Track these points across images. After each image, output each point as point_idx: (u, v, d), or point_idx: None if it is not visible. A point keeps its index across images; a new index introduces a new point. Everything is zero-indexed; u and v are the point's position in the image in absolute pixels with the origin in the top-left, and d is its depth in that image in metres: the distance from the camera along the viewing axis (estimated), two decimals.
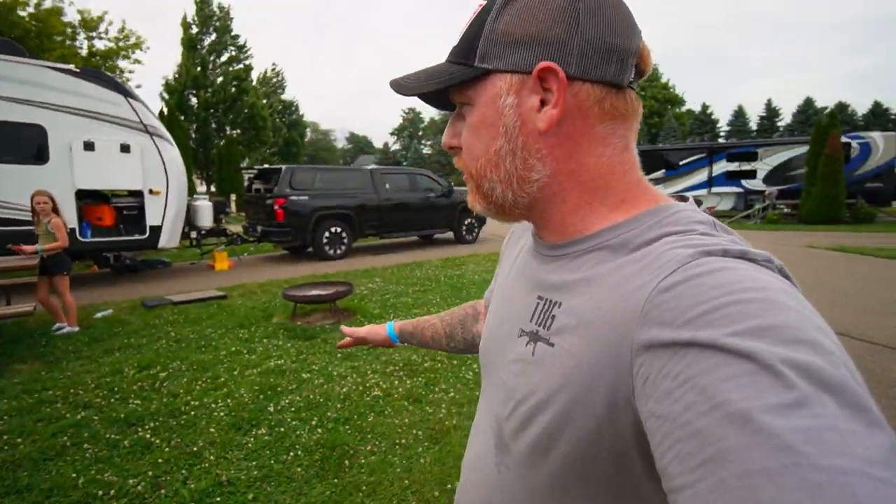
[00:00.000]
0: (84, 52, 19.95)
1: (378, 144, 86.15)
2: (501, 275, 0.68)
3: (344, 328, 1.02)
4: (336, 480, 2.24)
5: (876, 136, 15.97)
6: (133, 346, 4.01)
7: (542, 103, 0.46)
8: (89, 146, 6.19)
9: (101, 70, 6.80)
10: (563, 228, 0.50)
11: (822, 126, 14.58)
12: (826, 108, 45.22)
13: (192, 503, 2.06)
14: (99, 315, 4.90)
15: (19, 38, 17.01)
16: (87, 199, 6.61)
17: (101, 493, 2.11)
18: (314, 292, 4.95)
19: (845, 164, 14.48)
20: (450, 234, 11.17)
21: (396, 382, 3.32)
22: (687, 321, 0.34)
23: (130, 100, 6.60)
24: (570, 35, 0.44)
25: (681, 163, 19.03)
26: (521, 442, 0.48)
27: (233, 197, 19.39)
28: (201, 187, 27.14)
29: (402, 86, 0.52)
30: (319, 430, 2.68)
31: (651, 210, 0.46)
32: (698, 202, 0.49)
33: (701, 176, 18.83)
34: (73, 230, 6.15)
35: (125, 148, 6.47)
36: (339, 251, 9.00)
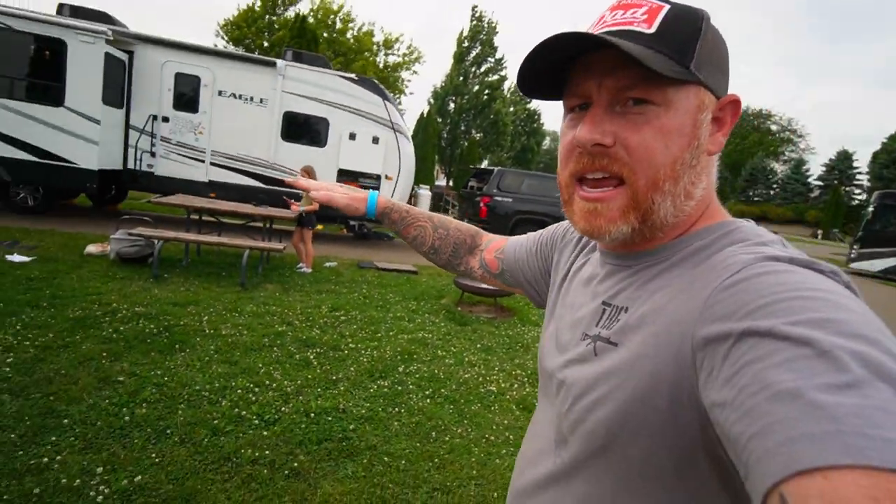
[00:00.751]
0: (381, 64, 25.28)
1: None
2: (560, 279, 0.67)
3: (291, 180, 0.96)
4: (418, 444, 2.48)
5: None
6: (335, 292, 5.12)
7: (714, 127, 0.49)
8: (352, 136, 8.06)
9: (370, 78, 8.66)
10: (642, 241, 0.51)
11: None
12: None
13: (314, 413, 2.61)
14: (327, 265, 6.38)
15: (343, 54, 22.80)
16: (345, 176, 8.57)
17: (267, 382, 2.88)
18: (482, 285, 5.29)
19: None
20: None
21: (516, 385, 3.35)
22: (747, 313, 0.35)
23: (386, 102, 8.24)
24: (727, 76, 0.50)
25: None
26: (579, 436, 0.48)
27: (460, 191, 21.83)
28: (441, 180, 31.28)
29: (615, 42, 0.43)
30: (428, 401, 2.97)
31: (720, 223, 0.49)
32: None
33: None
34: None
35: (375, 140, 8.15)
36: None
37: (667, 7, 0.47)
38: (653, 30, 0.46)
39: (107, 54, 6.65)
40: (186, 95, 7.62)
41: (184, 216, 6.27)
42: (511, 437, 2.66)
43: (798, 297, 0.34)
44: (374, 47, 24.46)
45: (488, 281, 0.87)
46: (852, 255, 15.20)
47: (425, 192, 9.70)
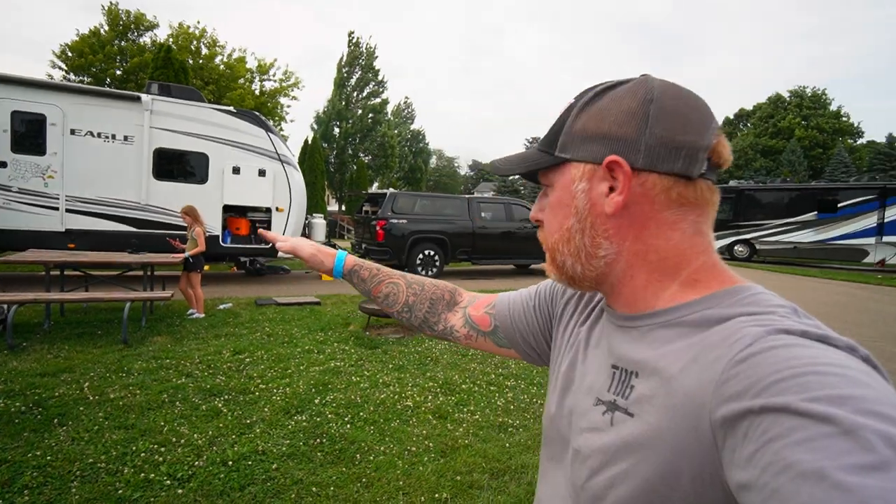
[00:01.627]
0: (257, 91, 24.30)
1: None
2: (567, 337, 0.67)
3: (262, 231, 0.98)
4: (344, 469, 2.56)
5: None
6: (236, 335, 4.89)
7: (611, 189, 0.51)
8: (236, 170, 7.75)
9: (251, 111, 8.44)
10: (634, 302, 0.53)
11: None
12: None
13: (232, 461, 2.55)
14: (221, 307, 6.04)
15: (215, 82, 21.52)
16: (231, 212, 8.17)
17: (174, 439, 2.73)
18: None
19: None
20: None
21: (430, 397, 3.57)
22: (762, 388, 0.35)
23: (270, 134, 8.09)
24: (639, 133, 0.49)
25: (840, 205, 16.22)
26: None
27: (355, 216, 21.74)
28: (334, 206, 30.78)
29: (498, 167, 0.62)
30: (348, 426, 3.05)
31: (728, 290, 0.48)
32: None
33: (868, 221, 15.79)
34: (216, 237, 7.66)
35: (262, 172, 7.94)
36: (430, 273, 9.57)
37: (568, 104, 0.56)
38: (545, 134, 0.58)
39: None
40: (29, 136, 6.70)
41: (34, 272, 5.49)
42: (431, 444, 2.86)
43: (813, 373, 0.34)
44: (249, 74, 23.46)
45: (475, 342, 0.80)
46: None
47: (320, 221, 9.60)
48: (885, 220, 15.47)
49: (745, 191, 17.01)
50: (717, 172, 0.52)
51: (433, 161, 71.28)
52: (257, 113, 8.30)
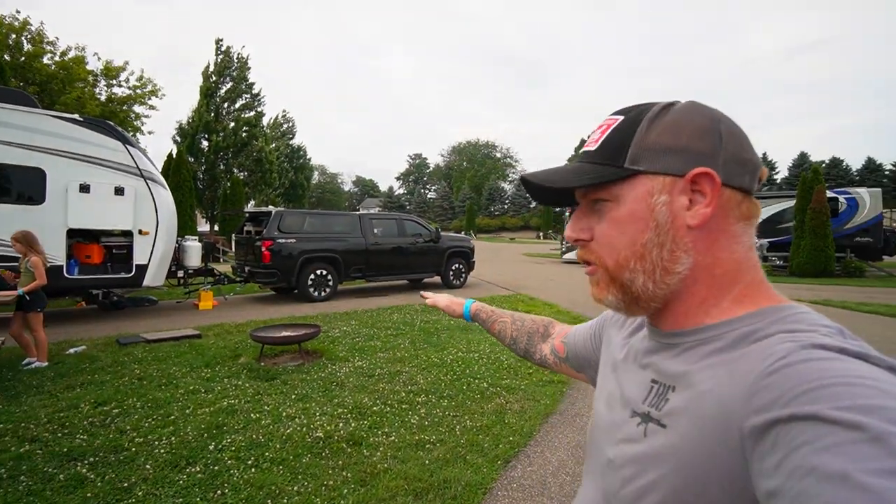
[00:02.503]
0: (103, 97, 21.08)
1: (384, 188, 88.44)
2: (608, 354, 0.69)
3: (423, 293, 1.20)
4: None
5: (862, 192, 16.32)
6: (96, 383, 4.12)
7: (690, 202, 0.51)
8: (85, 188, 6.57)
9: (103, 119, 7.28)
10: (684, 319, 0.53)
11: (807, 181, 14.96)
12: (822, 161, 46.28)
13: None
14: (71, 351, 5.04)
15: (42, 84, 18.16)
16: (78, 237, 6.90)
17: None
18: (283, 333, 5.08)
19: (834, 219, 14.76)
20: (438, 279, 11.37)
21: (342, 425, 3.39)
22: (791, 398, 0.35)
23: (129, 147, 7.05)
24: (716, 149, 0.51)
25: None
26: None
27: (233, 237, 19.89)
28: (204, 226, 27.82)
29: (550, 180, 0.56)
30: (253, 470, 2.76)
31: (774, 307, 0.48)
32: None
33: None
34: (59, 267, 6.41)
35: (119, 190, 6.85)
36: (323, 293, 9.16)
37: (618, 120, 0.55)
38: (595, 147, 0.56)
39: None
40: None
41: None
42: (349, 475, 2.72)
43: (844, 384, 0.34)
44: (91, 77, 20.26)
45: (559, 367, 0.90)
46: (563, 249, 20.22)
47: (193, 244, 8.55)
48: None
49: None
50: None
51: (315, 177, 68.77)
52: (111, 123, 7.17)
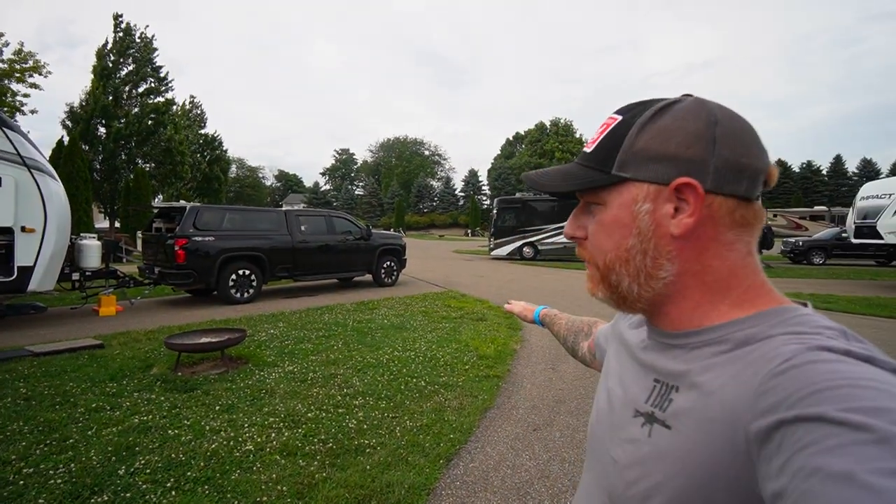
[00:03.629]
0: None
1: (308, 183, 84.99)
2: (612, 354, 0.69)
3: (506, 306, 1.30)
4: None
5: None
6: None
7: (676, 210, 0.50)
8: None
9: None
10: (680, 321, 0.53)
11: None
12: None
13: None
14: None
15: None
16: None
17: None
18: (203, 339, 4.68)
19: None
20: (369, 277, 11.14)
21: (274, 435, 3.19)
22: (797, 400, 0.35)
23: (7, 130, 6.07)
24: (708, 155, 0.49)
25: None
26: None
27: (139, 234, 18.02)
28: (104, 223, 24.92)
29: (540, 183, 0.58)
30: (173, 493, 2.49)
31: (776, 310, 0.48)
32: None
33: None
34: None
35: None
36: (246, 294, 8.60)
37: (617, 120, 0.54)
38: (591, 149, 0.56)
39: None
40: None
41: None
42: (284, 488, 2.56)
43: (850, 386, 0.34)
44: None
45: (595, 364, 0.92)
46: (491, 246, 20.80)
47: (92, 242, 7.55)
48: None
49: (528, 201, 20.27)
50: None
51: (233, 171, 64.39)
52: None
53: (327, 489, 2.56)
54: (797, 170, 59.88)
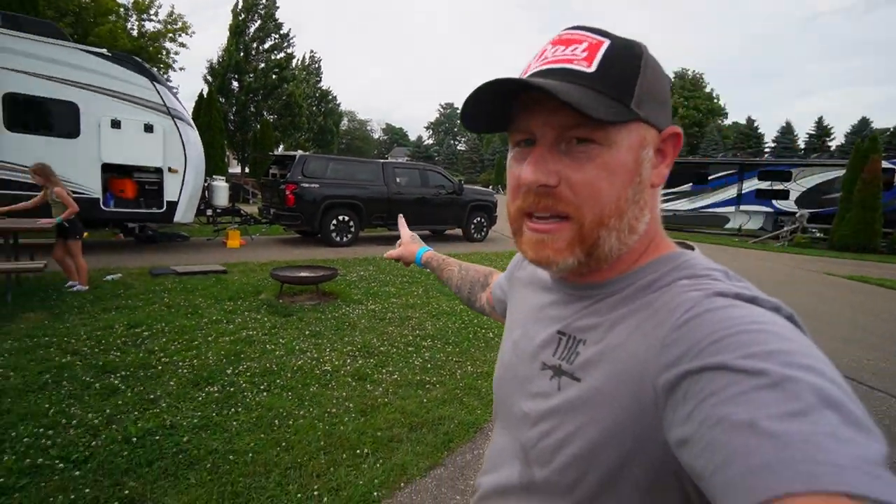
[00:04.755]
0: (134, 31, 21.13)
1: (413, 137, 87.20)
2: (516, 305, 0.68)
3: (387, 253, 1.16)
4: (262, 435, 2.54)
5: None
6: (129, 308, 4.46)
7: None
8: (116, 124, 6.80)
9: (130, 55, 7.35)
10: (601, 273, 0.52)
11: (861, 149, 13.94)
12: (887, 130, 42.82)
13: (136, 437, 2.40)
14: (108, 278, 5.43)
15: (75, 14, 18.28)
16: (113, 172, 7.20)
17: (64, 421, 2.49)
18: (302, 274, 5.31)
19: (887, 192, 13.84)
20: (460, 232, 11.43)
21: (349, 361, 3.61)
22: (700, 350, 0.37)
23: (157, 84, 7.17)
24: (671, 109, 0.51)
25: (710, 178, 18.59)
26: (548, 472, 0.49)
27: (260, 179, 20.30)
28: (236, 168, 28.36)
29: (559, 91, 0.43)
30: (264, 394, 3.00)
31: (668, 256, 0.50)
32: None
33: (730, 192, 18.34)
34: (96, 199, 6.76)
35: (148, 128, 7.06)
36: (345, 238, 9.39)
37: (607, 43, 0.47)
38: (593, 69, 0.46)
39: None
40: None
41: None
42: (351, 405, 2.93)
43: (745, 332, 0.36)
44: (122, 10, 20.24)
45: (494, 315, 0.91)
46: None
47: (221, 184, 8.81)
48: (742, 192, 18.10)
49: None
50: None
51: (345, 123, 68.22)
52: (138, 59, 7.26)
53: (386, 412, 2.88)
54: None
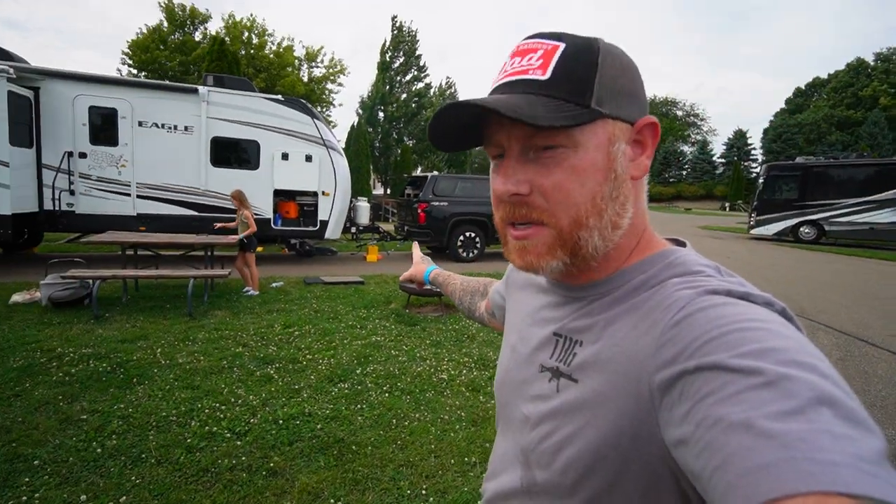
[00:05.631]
0: (305, 78, 25.02)
1: None
2: (513, 309, 0.68)
3: (402, 276, 1.20)
4: (381, 432, 2.78)
5: None
6: (286, 311, 5.26)
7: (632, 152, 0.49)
8: (285, 156, 8.16)
9: (297, 98, 8.81)
10: (592, 273, 0.52)
11: None
12: None
13: (282, 420, 2.83)
14: (273, 285, 6.47)
15: (266, 69, 22.37)
16: (281, 196, 8.61)
17: (233, 400, 3.06)
18: (427, 287, 5.65)
19: None
20: None
21: (464, 371, 3.73)
22: (695, 349, 0.37)
23: (315, 121, 8.42)
24: (645, 97, 0.50)
25: None
26: (549, 474, 0.49)
27: (397, 199, 22.18)
28: (380, 189, 31.43)
29: (508, 107, 0.44)
30: (386, 395, 3.27)
31: (658, 254, 0.50)
32: None
33: None
34: (268, 220, 8.14)
35: (308, 158, 8.31)
36: (472, 254, 9.70)
37: (561, 47, 0.47)
38: (547, 76, 0.47)
39: (10, 92, 6.32)
40: (104, 129, 7.36)
41: (112, 252, 6.10)
42: (463, 414, 3.03)
43: (738, 330, 0.36)
44: (297, 62, 24.21)
45: (493, 323, 0.91)
46: (751, 223, 17.04)
47: (364, 204, 9.94)
48: None
49: (813, 167, 15.65)
50: None
51: None
52: (303, 101, 8.63)
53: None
54: None
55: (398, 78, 32.78)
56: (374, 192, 24.81)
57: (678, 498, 0.41)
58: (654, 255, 0.50)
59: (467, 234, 9.64)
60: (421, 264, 1.17)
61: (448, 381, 3.55)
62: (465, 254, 9.65)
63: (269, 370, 3.58)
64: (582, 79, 0.46)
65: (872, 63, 47.62)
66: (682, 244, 0.53)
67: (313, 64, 25.33)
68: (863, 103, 45.61)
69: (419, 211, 9.32)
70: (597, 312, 0.49)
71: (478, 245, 9.74)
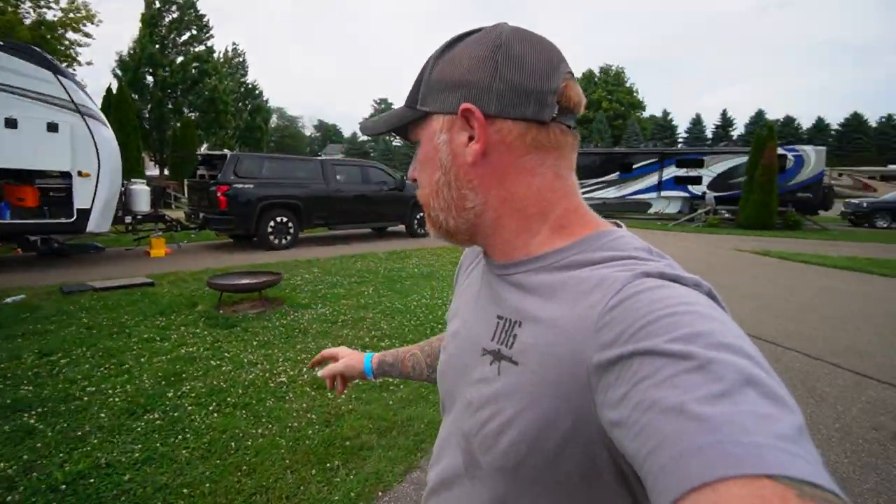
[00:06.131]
0: (28, 20, 18.77)
1: (347, 133, 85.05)
2: (457, 296, 0.69)
3: (320, 372, 1.00)
4: (218, 461, 2.31)
5: (809, 150, 17.14)
6: (38, 333, 3.92)
7: (470, 139, 0.51)
8: (11, 123, 5.92)
9: (28, 44, 6.45)
10: (509, 250, 0.54)
11: (760, 138, 15.46)
12: (777, 119, 47.99)
13: (65, 485, 2.08)
14: (9, 300, 4.74)
15: None
16: (8, 178, 6.31)
17: None
18: (242, 281, 4.95)
19: (780, 175, 15.45)
20: (403, 228, 11.28)
21: (305, 369, 3.40)
22: (631, 335, 0.38)
23: (60, 77, 6.34)
24: (490, 80, 0.49)
25: (634, 167, 19.81)
26: (491, 457, 0.50)
27: (186, 182, 18.83)
28: (154, 170, 26.10)
29: (365, 128, 0.62)
30: (215, 415, 2.74)
31: (592, 235, 0.51)
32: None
33: (652, 180, 19.65)
34: None
35: (52, 127, 6.21)
36: (284, 241, 8.93)
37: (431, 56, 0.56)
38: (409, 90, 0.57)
39: None
40: None
41: None
42: (314, 417, 2.76)
43: (671, 314, 0.38)
44: None
45: None
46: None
47: (141, 188, 7.99)
48: (663, 179, 19.49)
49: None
50: (573, 116, 0.53)
51: (274, 120, 65.13)
52: (38, 49, 6.38)
53: (352, 419, 2.73)
54: (874, 124, 54.02)
55: (171, 36, 27.40)
56: (148, 173, 20.41)
57: (616, 477, 0.43)
58: (586, 237, 0.51)
59: (278, 219, 8.82)
60: (352, 355, 0.98)
61: (288, 383, 3.18)
62: (276, 241, 8.83)
63: (27, 419, 2.60)
64: (414, 85, 0.55)
65: (598, 74, 61.32)
66: (619, 226, 0.54)
67: (42, 4, 19.06)
68: (592, 105, 58.54)
69: (219, 195, 8.07)
70: (535, 293, 0.50)
71: (291, 231, 9.02)
